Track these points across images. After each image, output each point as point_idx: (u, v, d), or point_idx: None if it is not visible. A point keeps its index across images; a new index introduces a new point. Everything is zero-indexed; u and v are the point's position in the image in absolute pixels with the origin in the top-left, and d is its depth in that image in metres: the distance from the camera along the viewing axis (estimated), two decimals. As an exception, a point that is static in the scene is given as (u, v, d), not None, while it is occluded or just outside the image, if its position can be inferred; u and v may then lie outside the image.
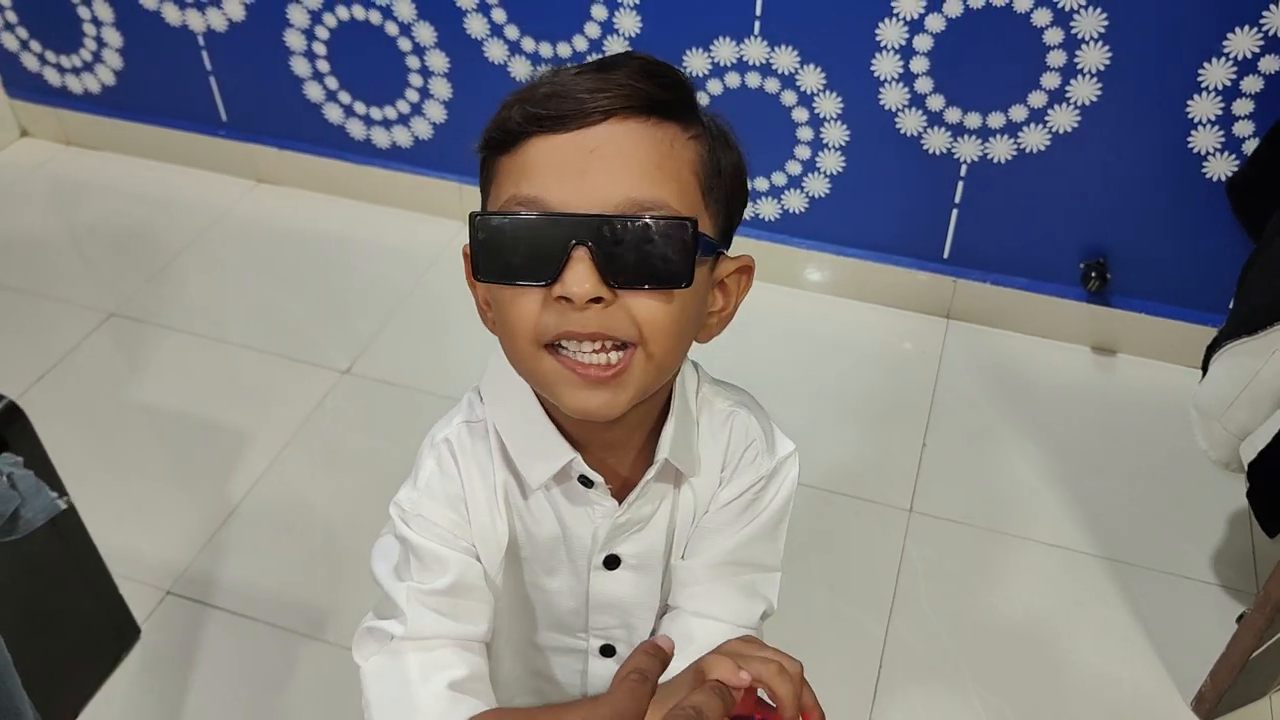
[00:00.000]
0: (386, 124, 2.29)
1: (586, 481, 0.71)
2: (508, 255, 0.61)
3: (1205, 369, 1.50)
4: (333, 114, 2.32)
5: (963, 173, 1.95)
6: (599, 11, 1.96)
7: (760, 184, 2.08)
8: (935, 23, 1.79)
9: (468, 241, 0.67)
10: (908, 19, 1.80)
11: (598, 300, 0.60)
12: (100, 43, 2.39)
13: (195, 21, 2.28)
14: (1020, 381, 1.99)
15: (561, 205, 0.60)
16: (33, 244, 2.34)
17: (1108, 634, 1.59)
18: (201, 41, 2.31)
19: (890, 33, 1.83)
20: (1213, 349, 1.48)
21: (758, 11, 1.88)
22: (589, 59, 0.68)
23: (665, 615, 0.80)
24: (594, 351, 0.62)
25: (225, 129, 2.45)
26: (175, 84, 2.41)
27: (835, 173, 2.03)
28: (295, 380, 1.99)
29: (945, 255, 2.07)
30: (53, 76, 2.51)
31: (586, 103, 0.60)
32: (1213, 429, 1.48)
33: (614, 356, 0.62)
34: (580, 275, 0.59)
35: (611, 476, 0.72)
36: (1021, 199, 1.95)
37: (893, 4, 1.80)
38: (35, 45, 2.46)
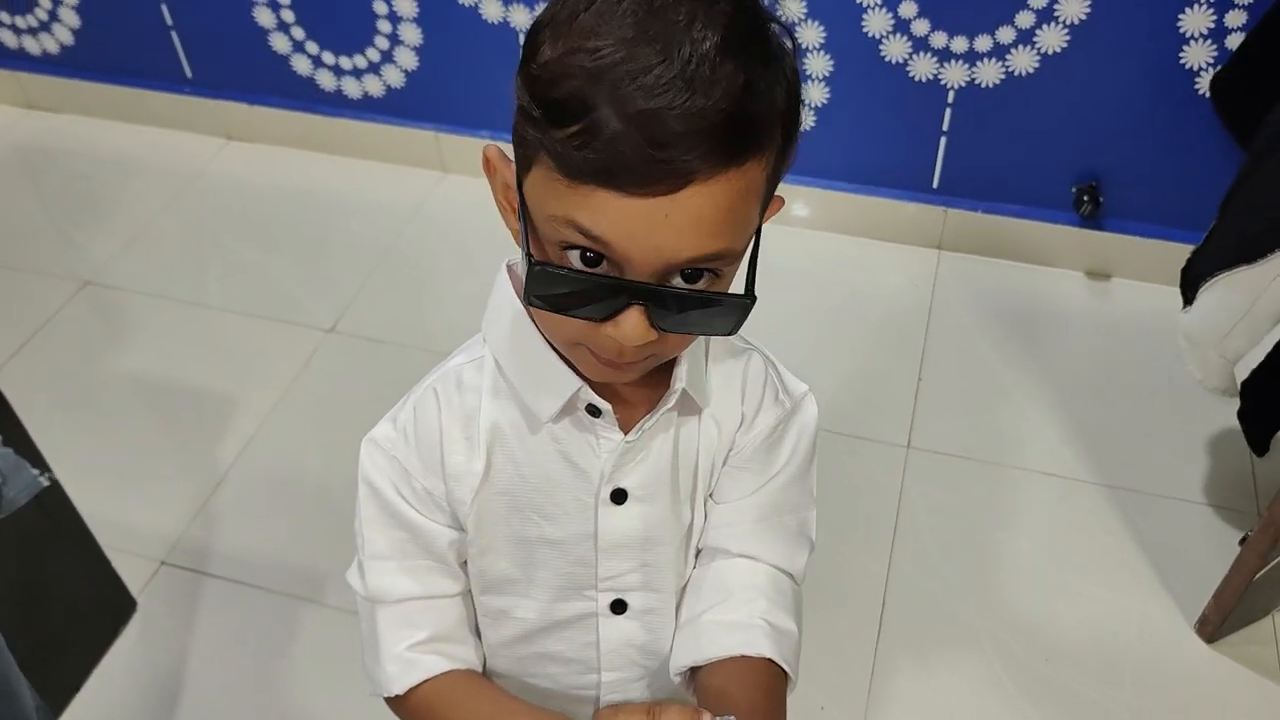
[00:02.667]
0: (357, 73, 2.23)
1: (594, 411, 0.69)
2: (564, 296, 0.60)
3: (1186, 294, 1.47)
4: (301, 65, 2.25)
5: (950, 99, 1.90)
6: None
7: (744, 120, 2.03)
8: (918, -56, 1.74)
9: (490, 145, 0.64)
10: (890, -59, 1.75)
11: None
12: (56, 0, 2.31)
13: (152, -26, 2.20)
14: (1015, 310, 1.97)
15: (623, 255, 0.57)
16: (1, 214, 2.28)
17: (1110, 561, 1.58)
18: (160, -5, 2.24)
19: (872, -44, 1.77)
20: (1198, 276, 1.45)
21: (734, -60, 1.82)
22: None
23: (700, 559, 0.77)
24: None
25: (191, 86, 2.38)
26: (136, 41, 2.33)
27: (820, 104, 1.98)
28: (279, 342, 1.95)
29: (935, 185, 2.03)
30: (9, 38, 2.42)
31: (664, 170, 0.53)
32: (1208, 357, 1.46)
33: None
34: (634, 329, 0.59)
35: (617, 407, 0.70)
36: (1011, 124, 1.91)
37: (874, -74, 1.74)
38: (-12, 6, 2.38)
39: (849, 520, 1.64)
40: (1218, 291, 1.40)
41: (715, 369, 0.74)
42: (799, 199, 2.10)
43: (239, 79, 2.33)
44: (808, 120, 2.00)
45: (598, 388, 0.69)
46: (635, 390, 0.71)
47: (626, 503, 0.73)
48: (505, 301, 0.70)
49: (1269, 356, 1.39)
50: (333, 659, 1.45)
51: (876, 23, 1.84)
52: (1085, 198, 1.91)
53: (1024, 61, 1.82)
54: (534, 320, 0.68)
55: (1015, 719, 1.41)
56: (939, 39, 1.83)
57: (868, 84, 1.92)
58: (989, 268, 2.05)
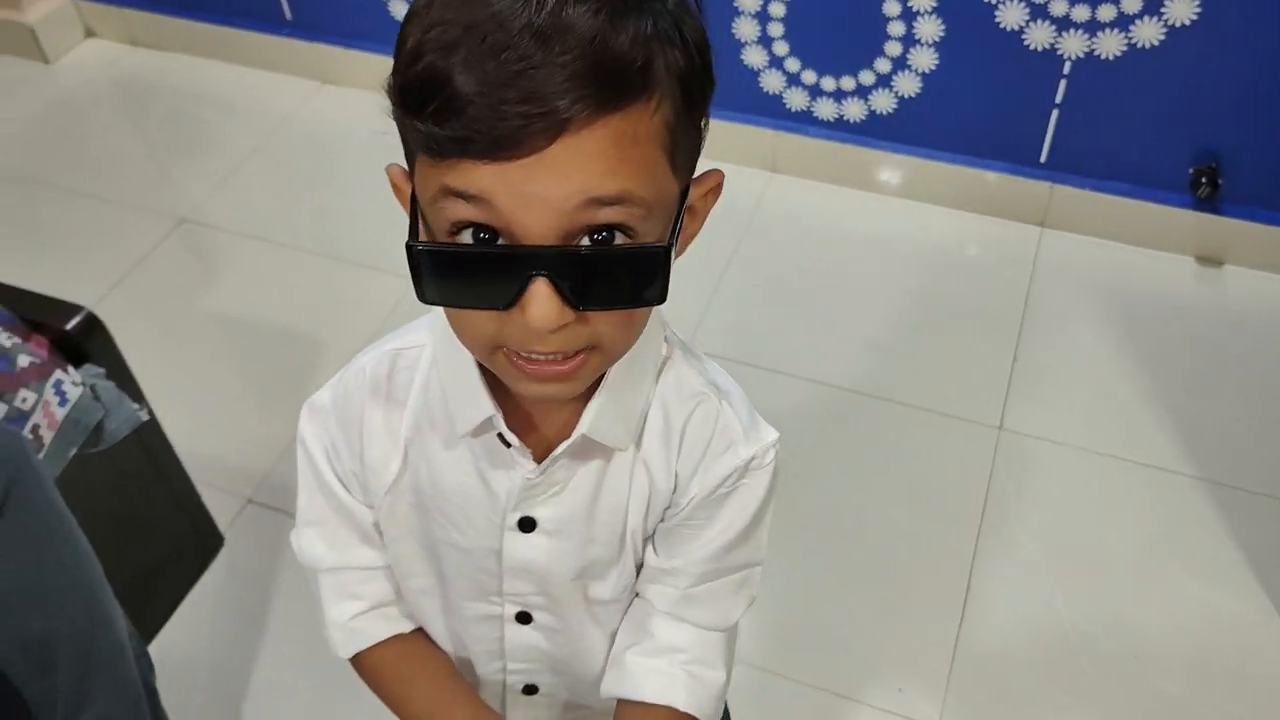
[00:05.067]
0: (455, 21, 2.21)
1: (506, 441, 0.66)
2: (456, 284, 0.54)
3: None
4: (399, 10, 2.24)
5: (1066, 70, 1.83)
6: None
7: (846, 83, 1.97)
8: (1044, -95, 1.66)
9: (392, 165, 0.60)
10: (1014, -99, 1.67)
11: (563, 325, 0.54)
12: (162, -62, 2.34)
13: (257, -86, 2.21)
14: (1119, 294, 1.90)
15: (508, 216, 0.51)
16: (102, 148, 2.32)
17: (1206, 558, 1.52)
18: (264, -65, 2.24)
19: (994, -83, 1.70)
20: None
21: (850, -105, 1.76)
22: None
23: (633, 605, 0.75)
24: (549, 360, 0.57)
25: (290, 28, 2.39)
26: (239, -20, 2.35)
27: (927, 71, 1.91)
28: (367, 286, 1.96)
29: (1042, 159, 1.96)
30: (115, -26, 2.46)
31: (531, 129, 0.49)
32: None
33: (570, 358, 0.57)
34: (543, 308, 0.52)
35: (539, 436, 0.67)
36: (1129, 99, 1.82)
37: (998, -115, 1.67)
38: (97, -59, 2.41)
39: (935, 499, 1.60)
40: None
41: (658, 412, 0.67)
42: (899, 167, 2.04)
43: (336, 22, 2.33)
44: (913, 87, 1.94)
45: (515, 416, 0.65)
46: (554, 422, 0.67)
47: (534, 533, 0.70)
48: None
49: None
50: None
51: (994, -13, 1.77)
52: (1203, 179, 1.82)
53: (1149, 33, 1.73)
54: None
55: (1098, 715, 1.37)
56: (1059, 6, 1.75)
57: (979, 51, 1.85)
58: (1094, 248, 1.98)
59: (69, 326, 1.21)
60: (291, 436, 1.67)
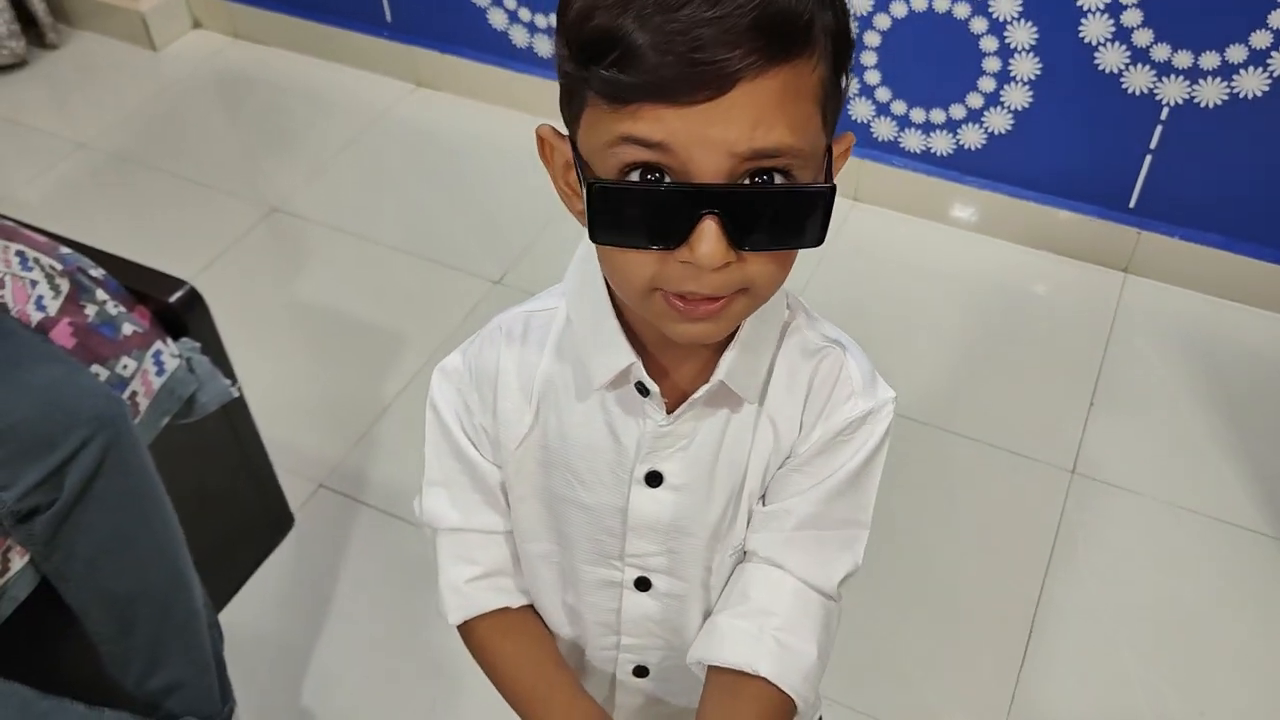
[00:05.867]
0: (550, 32, 2.25)
1: (643, 390, 0.68)
2: (630, 221, 0.58)
3: None
4: (497, 19, 2.28)
5: (1163, 116, 1.81)
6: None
7: (936, 116, 1.97)
8: (1153, -51, 1.65)
9: (541, 125, 0.64)
10: (1122, -56, 1.66)
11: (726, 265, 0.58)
12: (273, -64, 2.41)
13: (368, -82, 2.27)
14: (1203, 346, 1.87)
15: (684, 157, 0.55)
16: (201, 135, 2.39)
17: (1278, 621, 1.49)
18: (372, -61, 2.30)
19: (1101, -42, 1.69)
20: None
21: (955, -71, 1.77)
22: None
23: (733, 574, 0.75)
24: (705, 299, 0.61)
25: (388, 30, 2.44)
26: (343, -19, 2.41)
27: (1020, 108, 1.90)
28: (448, 286, 1.99)
29: (1131, 205, 1.93)
30: (226, -32, 2.53)
31: (707, 75, 0.54)
32: None
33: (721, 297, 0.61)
34: (711, 246, 0.57)
35: (671, 388, 0.70)
36: (1226, 148, 1.80)
37: (1107, -74, 1.66)
38: (211, -64, 2.49)
39: (1003, 538, 1.59)
40: None
41: (783, 368, 0.71)
42: (984, 204, 2.03)
43: (434, 26, 2.38)
44: (1004, 124, 1.93)
45: (649, 368, 0.68)
46: (685, 375, 0.69)
47: (660, 487, 0.71)
48: (589, 259, 0.69)
49: None
50: (472, 601, 1.48)
51: (1095, 28, 1.75)
52: (1298, 235, 1.79)
53: (1252, 83, 1.71)
54: (607, 281, 0.66)
55: (1161, 770, 1.34)
56: (1161, 51, 1.74)
57: (1075, 92, 1.84)
58: (1180, 298, 1.95)
59: (172, 299, 1.25)
60: (364, 427, 1.72)
